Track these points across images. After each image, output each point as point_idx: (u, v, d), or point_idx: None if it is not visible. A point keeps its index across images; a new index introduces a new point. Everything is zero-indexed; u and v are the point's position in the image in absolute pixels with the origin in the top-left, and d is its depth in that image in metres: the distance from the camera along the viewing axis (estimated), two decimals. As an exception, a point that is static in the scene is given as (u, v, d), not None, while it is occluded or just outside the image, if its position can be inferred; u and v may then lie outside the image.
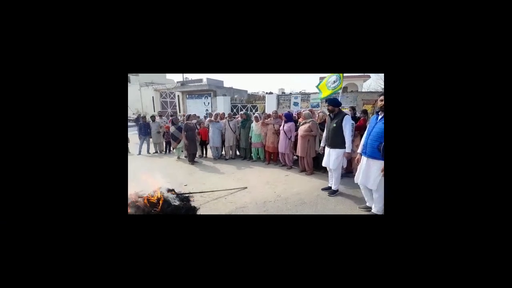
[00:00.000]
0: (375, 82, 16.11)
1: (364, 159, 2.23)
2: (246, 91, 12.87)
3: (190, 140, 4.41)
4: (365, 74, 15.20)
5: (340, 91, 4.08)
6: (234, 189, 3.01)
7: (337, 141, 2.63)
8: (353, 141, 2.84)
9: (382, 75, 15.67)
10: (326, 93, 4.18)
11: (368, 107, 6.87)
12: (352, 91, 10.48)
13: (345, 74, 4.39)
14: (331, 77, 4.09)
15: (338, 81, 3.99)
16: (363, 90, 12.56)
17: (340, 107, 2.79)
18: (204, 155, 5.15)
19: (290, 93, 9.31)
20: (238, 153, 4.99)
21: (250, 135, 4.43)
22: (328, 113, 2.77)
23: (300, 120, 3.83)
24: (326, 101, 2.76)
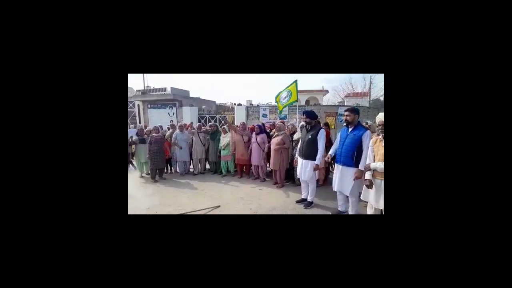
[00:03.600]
0: (333, 96, 17.83)
1: (338, 167, 2.37)
2: (214, 101, 12.61)
3: (156, 154, 3.94)
4: (324, 89, 16.72)
5: (297, 103, 4.39)
6: (205, 209, 2.74)
7: (311, 152, 2.68)
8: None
9: (339, 90, 17.47)
10: (280, 107, 4.52)
11: (330, 119, 7.45)
12: (315, 104, 11.29)
13: (305, 89, 4.96)
14: (283, 93, 4.41)
15: (288, 96, 4.28)
16: (323, 104, 13.70)
17: (316, 120, 2.88)
18: (169, 171, 4.67)
19: (258, 104, 9.47)
20: (207, 166, 4.69)
21: (219, 148, 4.22)
22: (305, 125, 2.81)
23: (273, 131, 3.82)
24: (303, 113, 2.79)
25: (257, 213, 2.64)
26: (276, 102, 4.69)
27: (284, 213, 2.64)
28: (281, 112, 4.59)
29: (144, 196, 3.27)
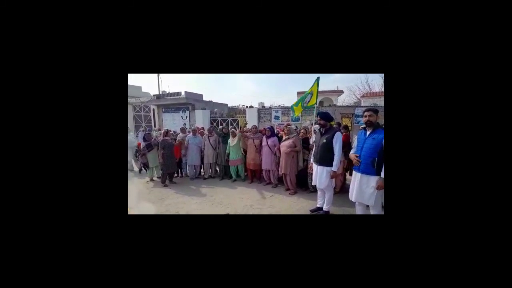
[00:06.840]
0: (348, 97, 17.11)
1: (357, 175, 2.11)
2: (226, 104, 12.67)
3: (167, 159, 3.91)
4: (338, 90, 16.11)
5: (316, 106, 3.96)
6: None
7: (326, 158, 2.45)
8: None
9: (355, 90, 16.79)
10: (298, 111, 4.08)
11: (346, 121, 7.05)
12: (330, 105, 10.87)
13: (320, 90, 4.28)
14: (306, 97, 3.92)
15: (309, 98, 3.83)
16: (338, 104, 13.16)
17: (331, 122, 2.65)
18: (180, 175, 4.65)
19: (270, 106, 9.30)
20: (217, 170, 4.61)
21: (227, 152, 4.10)
22: (319, 128, 2.60)
23: (283, 134, 3.63)
24: (317, 114, 2.58)
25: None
26: (293, 110, 4.22)
27: (296, 223, 2.44)
28: (297, 115, 4.16)
29: (153, 202, 3.23)
